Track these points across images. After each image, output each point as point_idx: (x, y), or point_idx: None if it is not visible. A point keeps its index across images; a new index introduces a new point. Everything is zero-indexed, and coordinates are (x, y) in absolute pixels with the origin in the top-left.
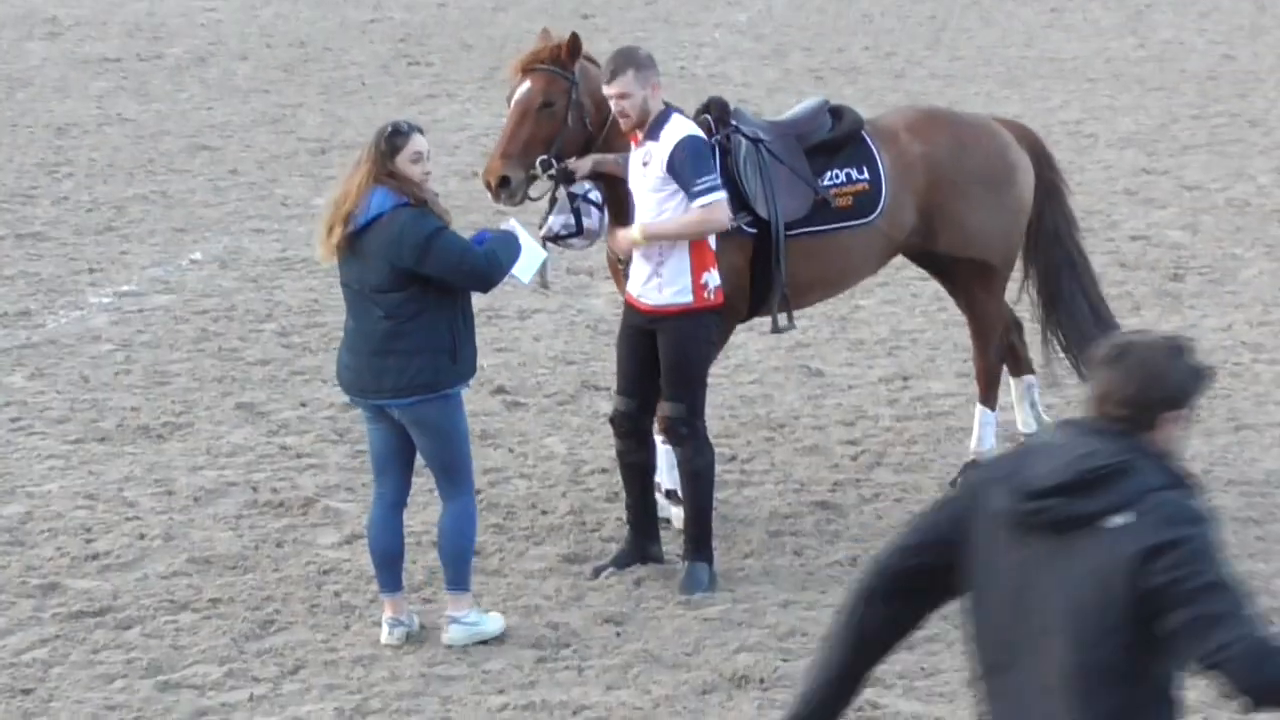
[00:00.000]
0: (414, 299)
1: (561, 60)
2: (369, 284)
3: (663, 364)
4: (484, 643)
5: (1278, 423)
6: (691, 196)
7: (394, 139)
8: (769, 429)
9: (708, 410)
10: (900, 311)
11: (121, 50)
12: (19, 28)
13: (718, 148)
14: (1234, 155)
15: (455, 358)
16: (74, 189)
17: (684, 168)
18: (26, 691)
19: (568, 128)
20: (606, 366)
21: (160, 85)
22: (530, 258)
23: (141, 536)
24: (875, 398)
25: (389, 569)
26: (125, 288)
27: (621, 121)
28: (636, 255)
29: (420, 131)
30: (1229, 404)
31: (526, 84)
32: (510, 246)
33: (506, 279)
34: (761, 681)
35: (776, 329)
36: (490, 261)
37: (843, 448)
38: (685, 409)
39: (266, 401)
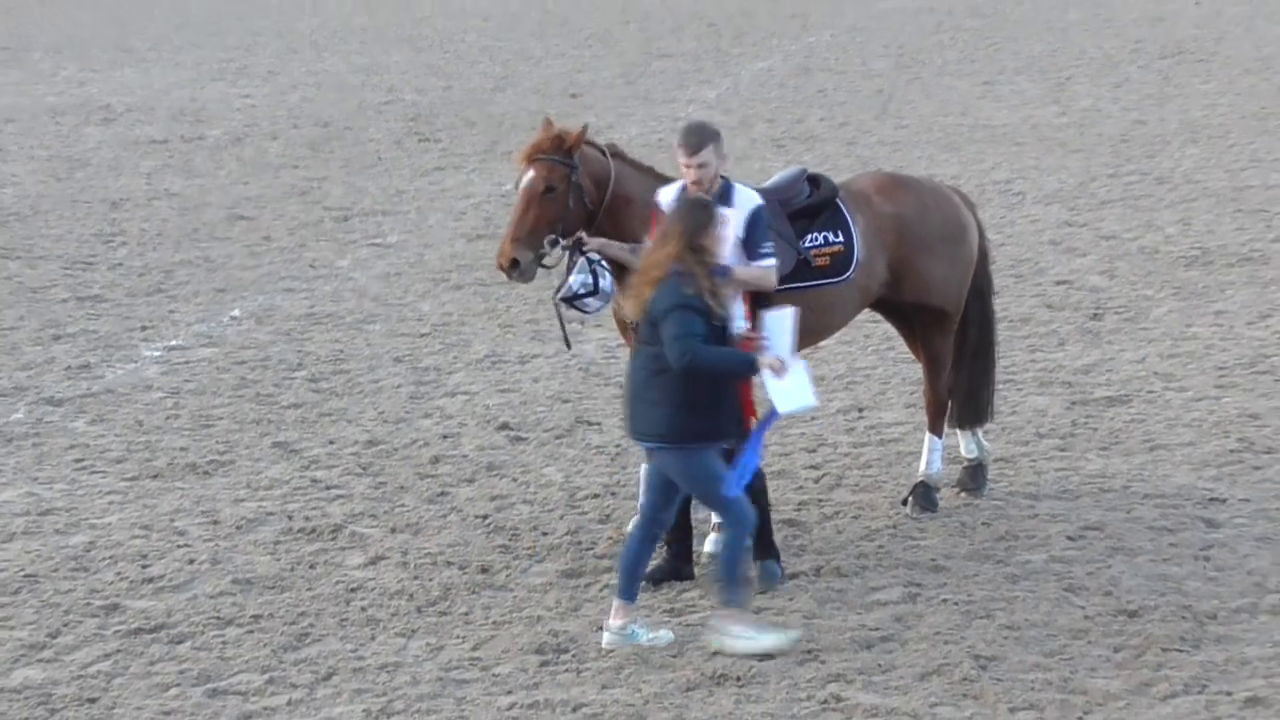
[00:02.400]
0: (662, 356)
1: (562, 148)
2: (641, 335)
3: None
4: (492, 649)
5: (1187, 443)
6: (759, 257)
7: (713, 213)
8: None
9: None
10: (855, 351)
11: (168, 133)
12: (77, 114)
13: None
14: (1145, 208)
15: (691, 416)
16: (127, 256)
17: (755, 233)
18: (92, 700)
19: (569, 209)
20: (598, 404)
21: (202, 163)
22: (798, 392)
23: (191, 561)
24: (834, 427)
25: (628, 576)
26: (174, 342)
27: (692, 188)
28: None
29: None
30: (1144, 427)
31: (530, 173)
32: (732, 366)
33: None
34: (738, 679)
35: None
36: (690, 357)
37: (806, 471)
38: None
39: (299, 440)
